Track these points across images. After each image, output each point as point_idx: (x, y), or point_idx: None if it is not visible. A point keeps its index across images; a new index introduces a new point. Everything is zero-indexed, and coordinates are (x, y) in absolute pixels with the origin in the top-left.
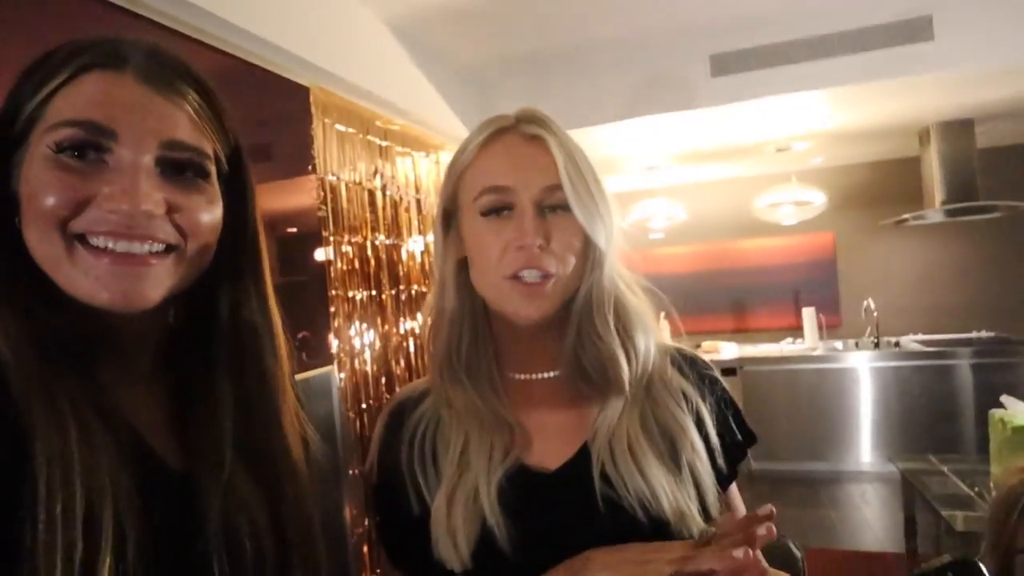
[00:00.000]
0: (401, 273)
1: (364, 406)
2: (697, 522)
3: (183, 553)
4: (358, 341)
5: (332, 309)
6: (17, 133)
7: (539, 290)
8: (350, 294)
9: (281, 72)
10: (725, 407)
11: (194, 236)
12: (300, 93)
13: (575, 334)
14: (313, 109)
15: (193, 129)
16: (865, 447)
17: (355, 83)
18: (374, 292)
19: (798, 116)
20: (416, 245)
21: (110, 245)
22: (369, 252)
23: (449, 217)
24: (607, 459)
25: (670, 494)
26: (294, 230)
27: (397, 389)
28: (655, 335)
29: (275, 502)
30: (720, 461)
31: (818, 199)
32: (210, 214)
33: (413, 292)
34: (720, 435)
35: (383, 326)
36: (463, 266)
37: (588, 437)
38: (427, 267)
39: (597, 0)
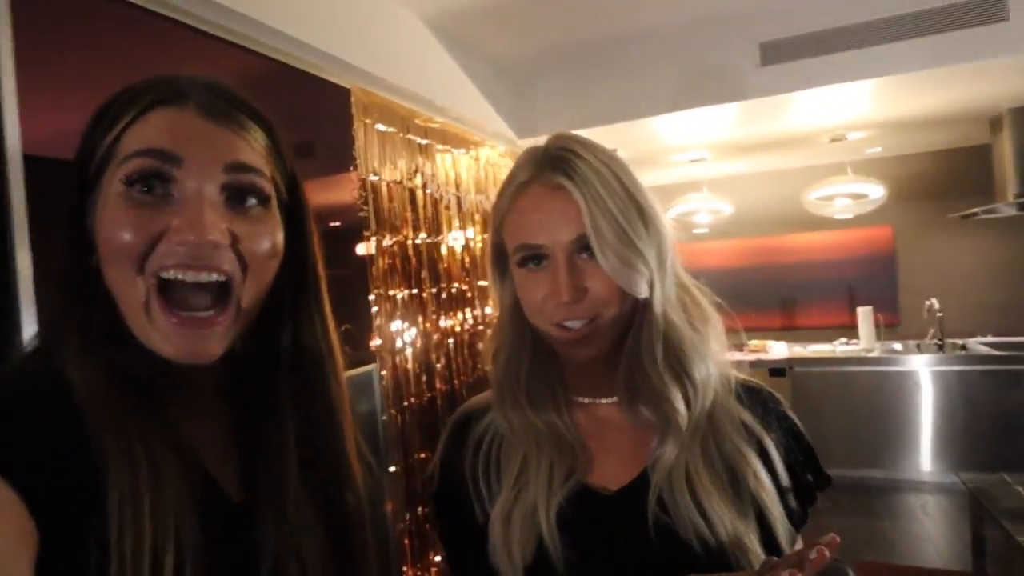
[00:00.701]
0: (441, 270)
1: (405, 404)
2: (756, 554)
3: None
4: (399, 339)
5: (374, 308)
6: (91, 176)
7: (584, 335)
8: (391, 292)
9: (322, 74)
10: (795, 444)
11: (255, 265)
12: (341, 94)
13: (626, 369)
14: (354, 110)
15: (253, 154)
16: (925, 455)
17: (395, 82)
18: (415, 290)
19: (854, 104)
20: (456, 242)
21: (179, 276)
22: (410, 250)
23: (500, 257)
24: (665, 487)
25: (728, 525)
26: (337, 224)
27: (437, 386)
28: (718, 364)
29: (334, 528)
30: (791, 500)
31: (875, 192)
32: (271, 242)
33: (453, 290)
34: (790, 471)
35: (424, 324)
36: (519, 302)
37: (648, 463)
38: (466, 264)
39: None
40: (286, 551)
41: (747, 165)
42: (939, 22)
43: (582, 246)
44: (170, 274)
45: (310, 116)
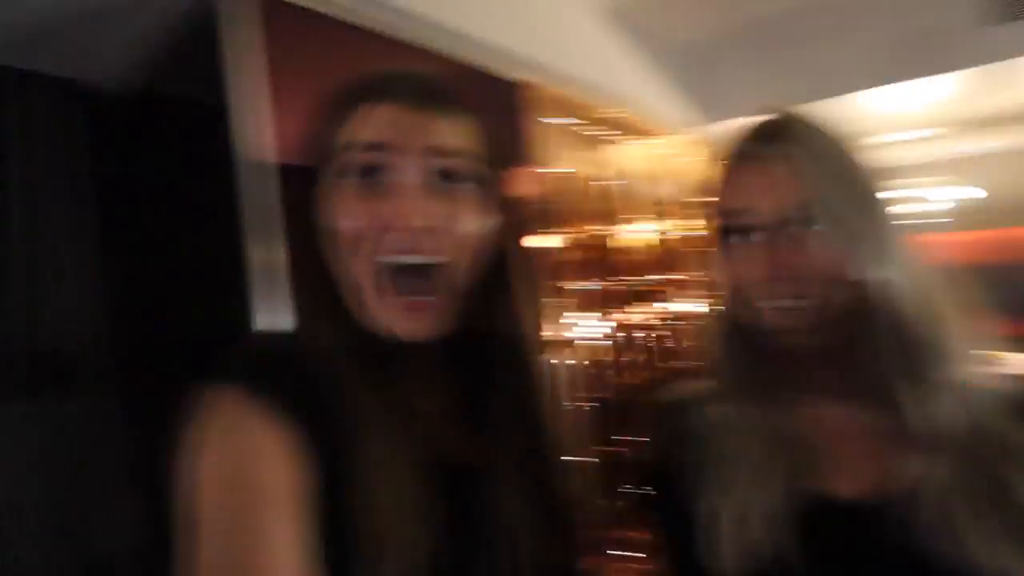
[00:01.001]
0: (618, 263)
1: (587, 396)
2: None
3: (463, 544)
4: (577, 332)
5: (554, 300)
6: (318, 166)
7: (790, 320)
8: (571, 285)
9: (493, 70)
10: None
11: (467, 246)
12: (513, 89)
13: (855, 366)
14: (527, 104)
15: (459, 139)
16: None
17: (568, 73)
18: (594, 282)
19: None
20: (633, 234)
21: (400, 260)
22: (587, 243)
23: (717, 236)
24: (911, 505)
25: (999, 562)
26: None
27: (616, 381)
28: (975, 371)
29: (543, 507)
30: None
31: None
32: (479, 224)
33: (631, 283)
34: None
35: (604, 316)
36: None
37: (886, 476)
38: (649, 256)
39: None
40: (515, 517)
41: (1000, 142)
42: None
43: (798, 218)
44: (392, 258)
45: (485, 113)
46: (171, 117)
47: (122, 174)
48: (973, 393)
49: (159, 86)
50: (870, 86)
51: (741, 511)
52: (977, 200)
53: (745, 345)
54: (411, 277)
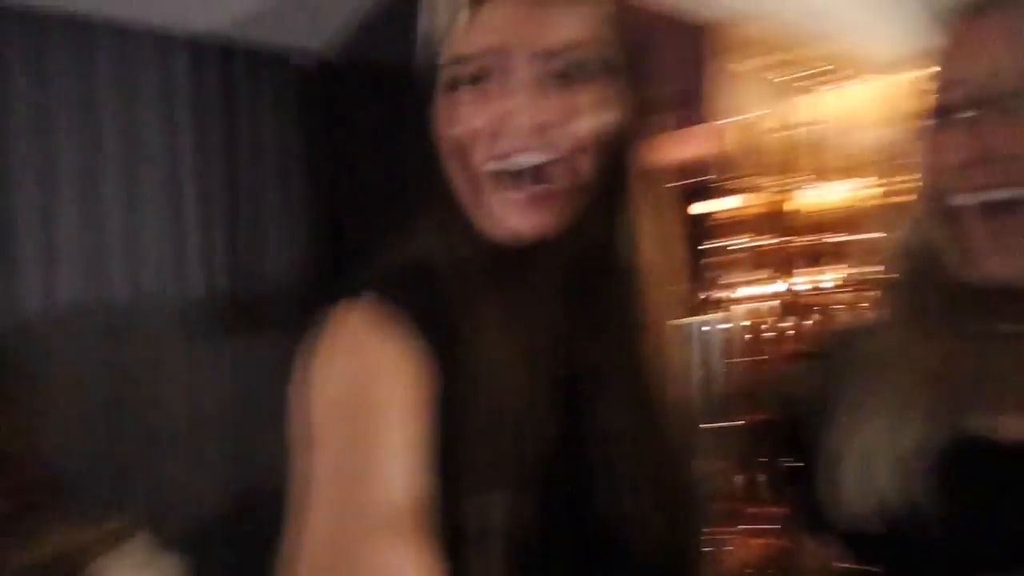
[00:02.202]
0: (814, 221)
1: (755, 359)
2: None
3: (579, 456)
4: (757, 290)
5: (733, 258)
6: (430, 71)
7: (1012, 226)
8: (754, 243)
9: (679, 14)
10: None
11: (585, 143)
12: (702, 33)
13: None
14: (719, 49)
15: (582, 29)
16: None
17: (767, 10)
18: (780, 240)
19: None
20: (835, 192)
21: (518, 161)
22: (779, 198)
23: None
24: None
25: None
26: (691, 181)
27: (794, 346)
28: None
29: (649, 438)
30: None
31: None
32: (602, 117)
33: (825, 242)
34: None
35: (787, 277)
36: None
37: None
38: (851, 214)
39: None
40: (616, 433)
41: None
42: None
43: (1014, 90)
44: (505, 163)
45: (667, 62)
46: (375, 83)
47: (330, 141)
48: None
49: (365, 53)
50: None
51: (865, 452)
52: None
53: (942, 250)
54: (527, 176)
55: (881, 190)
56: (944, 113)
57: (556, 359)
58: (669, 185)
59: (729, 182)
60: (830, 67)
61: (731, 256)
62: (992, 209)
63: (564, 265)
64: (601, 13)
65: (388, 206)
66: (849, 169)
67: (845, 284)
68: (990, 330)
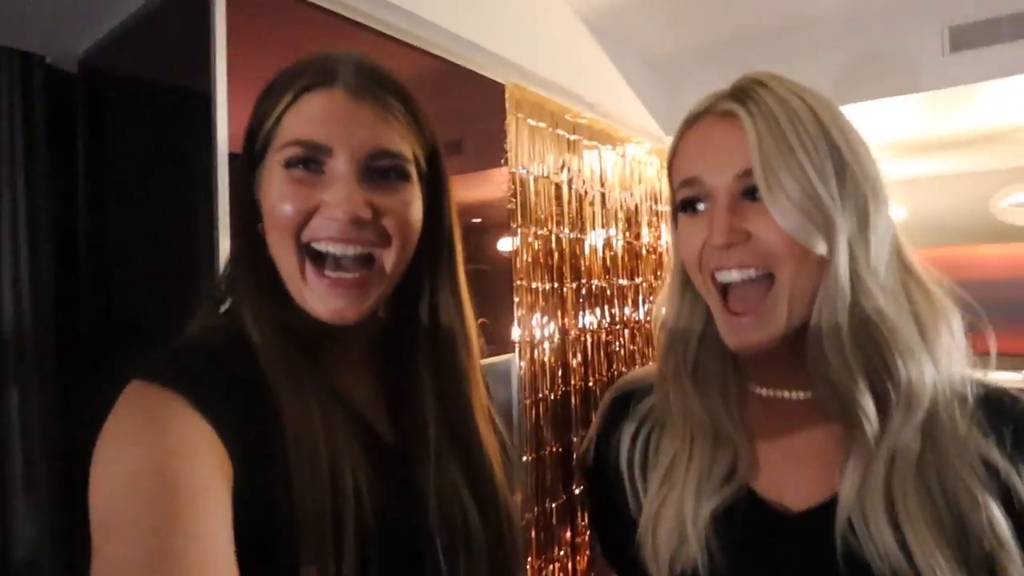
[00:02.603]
0: (583, 267)
1: (540, 396)
2: None
3: (406, 522)
4: (539, 331)
5: (516, 299)
6: (257, 151)
7: (745, 303)
8: (534, 285)
9: (478, 70)
10: None
11: (397, 237)
12: (495, 89)
13: (812, 355)
14: (508, 105)
15: (396, 136)
16: None
17: (547, 78)
18: (556, 284)
19: None
20: (598, 239)
21: (330, 249)
22: (553, 245)
23: (674, 212)
24: (856, 510)
25: (940, 572)
26: (479, 221)
27: (572, 382)
28: (947, 372)
29: (475, 487)
30: None
31: None
32: (411, 215)
33: (593, 286)
34: None
35: (563, 318)
36: None
37: (827, 482)
38: (607, 262)
39: None
40: (448, 494)
41: (924, 166)
42: None
43: (749, 185)
44: (322, 246)
45: (463, 112)
46: (134, 97)
47: (85, 154)
48: (947, 395)
49: (127, 66)
50: None
51: (679, 512)
52: (901, 221)
53: (699, 323)
54: (343, 262)
55: (636, 242)
56: (683, 207)
57: (374, 433)
58: (464, 224)
59: (513, 225)
60: (603, 132)
61: (521, 296)
62: (727, 287)
63: (380, 338)
64: (420, 119)
65: (136, 229)
66: (612, 221)
67: (615, 323)
68: (753, 393)
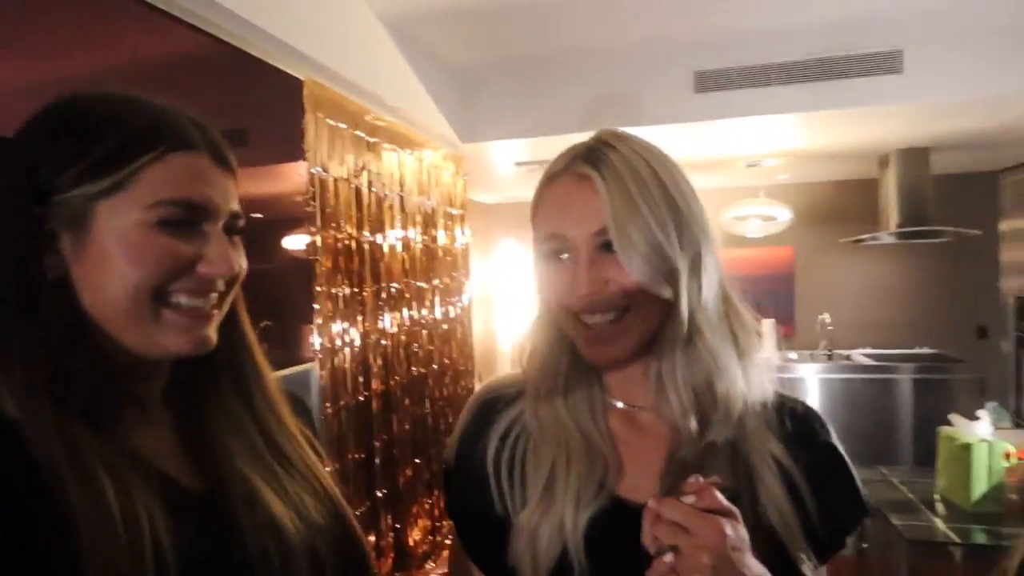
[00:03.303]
0: (383, 269)
1: (342, 403)
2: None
3: (220, 567)
4: (339, 338)
5: (316, 306)
6: (76, 211)
7: (607, 333)
8: (333, 290)
9: (273, 61)
10: (833, 473)
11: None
12: (291, 84)
13: (655, 375)
14: (306, 102)
15: (237, 195)
16: None
17: (347, 77)
18: (356, 289)
19: (772, 134)
20: (397, 242)
21: (183, 301)
22: (353, 248)
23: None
24: None
25: None
26: (260, 216)
27: (373, 386)
28: (754, 383)
29: (303, 506)
30: (819, 530)
31: (783, 215)
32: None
33: (393, 289)
34: (822, 502)
35: (363, 323)
36: None
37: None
38: (406, 264)
39: (588, 8)
40: (262, 530)
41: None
42: (851, 68)
43: (605, 240)
44: (181, 298)
45: (256, 103)
46: None
47: None
48: (753, 402)
49: None
50: (599, 128)
51: (558, 522)
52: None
53: (566, 352)
54: (199, 307)
55: (433, 245)
56: (549, 257)
57: (183, 483)
58: (258, 217)
59: (312, 229)
60: (401, 135)
61: (321, 303)
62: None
63: (173, 388)
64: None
65: None
66: (410, 223)
67: (412, 326)
68: (613, 406)
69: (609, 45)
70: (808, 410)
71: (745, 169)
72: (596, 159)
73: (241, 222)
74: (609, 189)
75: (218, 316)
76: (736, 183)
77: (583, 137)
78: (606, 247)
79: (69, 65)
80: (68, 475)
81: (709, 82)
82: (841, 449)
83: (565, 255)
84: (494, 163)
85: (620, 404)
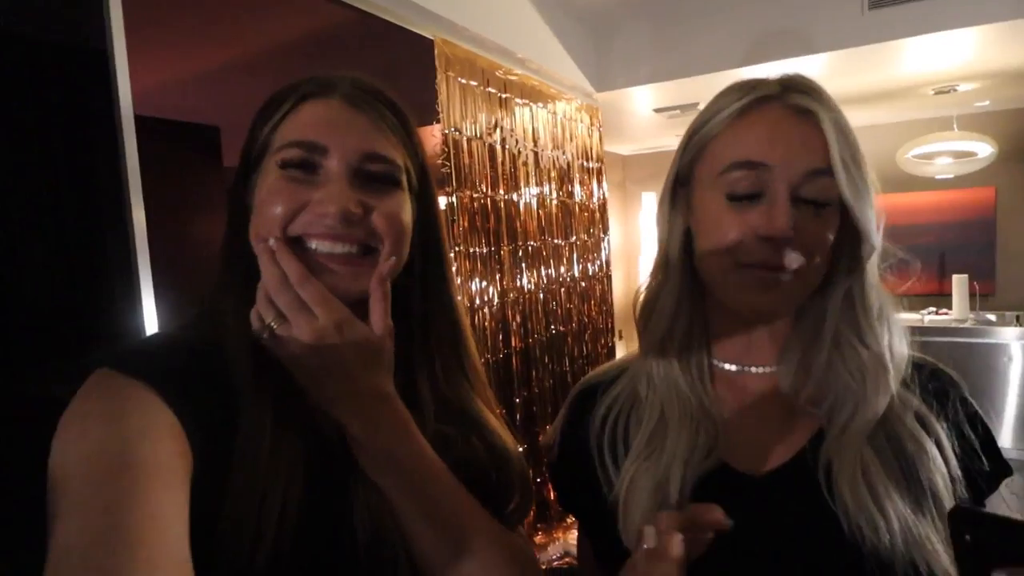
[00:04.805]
0: (518, 228)
1: (482, 360)
2: (939, 556)
3: (338, 523)
4: (477, 297)
5: (453, 265)
6: (255, 157)
7: (777, 284)
8: (471, 250)
9: (403, 24)
10: (972, 431)
11: (388, 236)
12: (423, 44)
13: (799, 335)
14: (437, 62)
15: (388, 144)
16: (1007, 432)
17: (476, 32)
18: (492, 247)
19: (964, 53)
20: (532, 199)
21: (316, 246)
22: (489, 207)
23: (680, 186)
24: (829, 472)
25: (908, 525)
26: None
27: (513, 343)
28: (895, 338)
29: (482, 476)
30: (962, 492)
31: (984, 150)
32: (402, 217)
33: (530, 248)
34: (963, 463)
35: (501, 281)
36: (688, 240)
37: (805, 444)
38: (542, 221)
39: None
40: (376, 504)
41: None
42: None
43: (811, 189)
44: (312, 242)
45: (390, 67)
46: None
47: None
48: (892, 366)
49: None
50: (748, 64)
51: (662, 477)
52: None
53: (688, 304)
54: (338, 256)
55: (569, 200)
56: (729, 186)
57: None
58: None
59: (448, 189)
60: (534, 89)
61: (459, 263)
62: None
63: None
64: (408, 140)
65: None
66: (545, 180)
67: (550, 284)
68: (720, 368)
69: None
70: (942, 369)
71: (933, 97)
72: (814, 95)
73: (376, 166)
74: (834, 128)
75: (368, 271)
76: (922, 114)
77: (736, 76)
78: (805, 201)
79: (243, 50)
80: (245, 406)
81: None
82: (977, 406)
83: (757, 197)
84: (631, 111)
85: (729, 366)
